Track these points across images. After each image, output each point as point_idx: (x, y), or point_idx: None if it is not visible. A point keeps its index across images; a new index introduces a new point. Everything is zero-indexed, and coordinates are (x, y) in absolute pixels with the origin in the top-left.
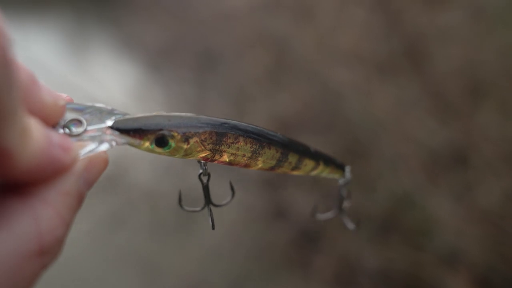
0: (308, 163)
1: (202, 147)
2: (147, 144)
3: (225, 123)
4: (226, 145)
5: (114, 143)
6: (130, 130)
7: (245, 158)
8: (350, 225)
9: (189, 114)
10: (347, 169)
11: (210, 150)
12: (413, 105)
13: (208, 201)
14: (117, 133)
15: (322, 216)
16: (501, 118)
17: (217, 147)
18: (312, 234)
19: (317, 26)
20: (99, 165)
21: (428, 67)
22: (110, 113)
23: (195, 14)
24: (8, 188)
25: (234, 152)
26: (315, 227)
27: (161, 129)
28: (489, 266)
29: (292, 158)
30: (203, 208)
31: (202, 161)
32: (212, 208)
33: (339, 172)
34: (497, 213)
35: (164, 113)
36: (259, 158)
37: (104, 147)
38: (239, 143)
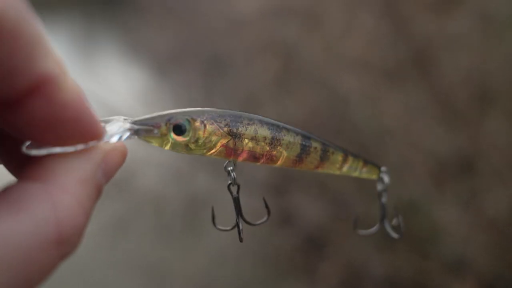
0: (336, 153)
1: (220, 130)
2: (165, 132)
3: (238, 112)
4: (243, 126)
5: (134, 135)
6: (150, 123)
7: (267, 144)
8: (395, 235)
9: (206, 108)
10: (383, 169)
11: (228, 133)
12: (421, 112)
13: (239, 213)
14: (137, 126)
15: (365, 232)
16: (509, 125)
17: (234, 129)
18: (318, 240)
19: (325, 33)
20: (117, 157)
21: (435, 75)
22: (125, 120)
23: (204, 20)
24: (27, 173)
25: (253, 135)
26: (321, 233)
27: (177, 118)
28: (496, 274)
29: (316, 144)
30: (236, 226)
31: (229, 169)
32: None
33: (374, 171)
34: (504, 221)
35: (182, 109)
36: (281, 142)
37: (126, 136)
38: (255, 125)
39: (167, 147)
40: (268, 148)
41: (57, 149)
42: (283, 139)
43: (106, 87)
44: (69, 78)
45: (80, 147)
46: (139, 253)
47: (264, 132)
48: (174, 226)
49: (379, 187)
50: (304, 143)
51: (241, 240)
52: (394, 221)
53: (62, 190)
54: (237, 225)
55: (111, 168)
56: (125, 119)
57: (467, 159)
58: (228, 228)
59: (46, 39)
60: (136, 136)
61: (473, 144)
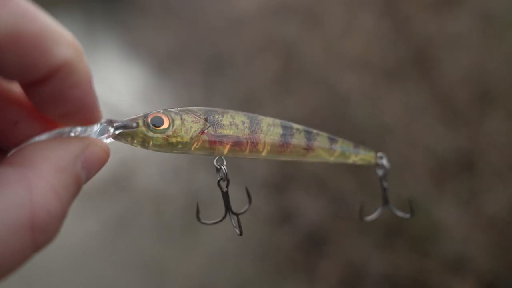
0: (321, 136)
1: (197, 118)
2: (143, 126)
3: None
4: (219, 114)
5: (114, 130)
6: (129, 120)
7: (246, 128)
8: (404, 214)
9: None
10: (380, 154)
11: (205, 120)
12: (421, 111)
13: (228, 208)
14: (117, 123)
15: (371, 217)
16: (509, 125)
17: (211, 117)
18: (317, 239)
19: (325, 32)
20: (98, 153)
21: (436, 74)
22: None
23: (204, 19)
24: (7, 160)
25: (231, 120)
26: (321, 232)
27: (153, 112)
28: (496, 273)
29: (296, 126)
30: (223, 218)
31: (219, 164)
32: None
33: (370, 155)
34: (504, 220)
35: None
36: (261, 124)
37: (105, 130)
38: (231, 113)
39: (151, 145)
40: (248, 132)
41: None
42: (262, 122)
43: (107, 86)
44: (82, 60)
45: (54, 132)
46: (139, 251)
47: (241, 117)
48: (174, 225)
49: (380, 172)
50: (284, 125)
51: (241, 233)
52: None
53: (38, 176)
54: (233, 221)
55: (92, 163)
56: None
57: (467, 158)
58: (213, 221)
59: (54, 29)
60: (116, 131)
61: (473, 143)
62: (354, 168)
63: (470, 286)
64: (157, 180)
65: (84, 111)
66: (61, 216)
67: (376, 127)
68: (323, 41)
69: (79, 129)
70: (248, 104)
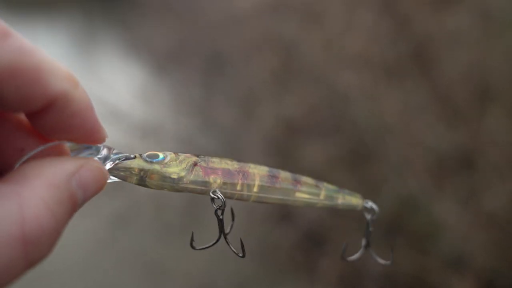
0: (305, 178)
1: (188, 154)
2: (139, 159)
3: None
4: (208, 157)
5: (114, 162)
6: (126, 154)
7: (236, 164)
8: (384, 262)
9: None
10: (367, 202)
11: (197, 156)
12: (420, 109)
13: (223, 233)
14: (116, 156)
15: (353, 258)
16: (509, 123)
17: (202, 156)
18: (317, 237)
19: (325, 30)
20: (94, 171)
21: (435, 71)
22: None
23: (203, 17)
24: (1, 177)
25: (219, 160)
26: (320, 231)
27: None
28: (496, 270)
29: (284, 173)
30: (217, 241)
31: (214, 195)
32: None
33: (356, 197)
34: (504, 218)
35: None
36: (248, 164)
37: (108, 164)
38: (218, 157)
39: (148, 182)
40: (238, 166)
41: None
42: (248, 163)
43: (106, 85)
44: (79, 89)
45: (50, 144)
46: (139, 250)
47: (228, 159)
48: (174, 224)
49: (369, 216)
50: (270, 169)
51: (243, 255)
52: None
53: (30, 191)
54: (217, 242)
55: (88, 182)
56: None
57: (467, 156)
58: (206, 246)
59: (51, 63)
60: (115, 161)
61: (473, 141)
62: (353, 166)
63: (470, 284)
64: None
65: (86, 136)
66: (55, 231)
67: (376, 125)
68: (322, 39)
69: (79, 145)
70: (247, 102)
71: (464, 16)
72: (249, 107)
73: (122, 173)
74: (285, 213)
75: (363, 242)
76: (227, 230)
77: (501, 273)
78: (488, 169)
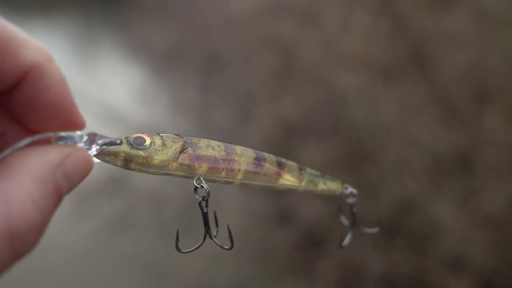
0: (290, 162)
1: (176, 139)
2: (125, 145)
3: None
4: (196, 139)
5: (98, 147)
6: (112, 139)
7: (222, 151)
8: (372, 230)
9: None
10: (346, 185)
11: (184, 142)
12: (418, 109)
13: (208, 228)
14: (102, 141)
15: (345, 242)
16: (506, 123)
17: (189, 140)
18: (316, 238)
19: (322, 31)
20: (80, 162)
21: (433, 72)
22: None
23: (202, 19)
24: None
25: (207, 143)
26: (319, 231)
27: (134, 135)
28: (494, 271)
29: (269, 154)
30: (203, 242)
31: (197, 184)
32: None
33: (337, 183)
34: (502, 218)
35: None
36: (235, 149)
37: (92, 142)
38: (206, 139)
39: (132, 167)
40: (224, 153)
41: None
42: (235, 147)
43: (104, 87)
44: (53, 64)
45: (37, 137)
46: (137, 251)
47: (216, 142)
48: (172, 224)
49: (351, 200)
50: (256, 151)
51: (232, 246)
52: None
53: (15, 187)
54: (202, 243)
55: (73, 172)
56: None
57: (465, 157)
58: (192, 248)
59: (21, 35)
60: (100, 147)
61: (471, 142)
62: (351, 168)
63: (468, 284)
64: (155, 180)
65: (62, 115)
66: (41, 225)
67: (374, 126)
68: (320, 40)
69: (63, 134)
70: (245, 103)
71: (461, 16)
72: (247, 109)
73: (107, 158)
74: (284, 214)
75: (346, 223)
76: (213, 234)
77: (500, 273)
78: (486, 170)
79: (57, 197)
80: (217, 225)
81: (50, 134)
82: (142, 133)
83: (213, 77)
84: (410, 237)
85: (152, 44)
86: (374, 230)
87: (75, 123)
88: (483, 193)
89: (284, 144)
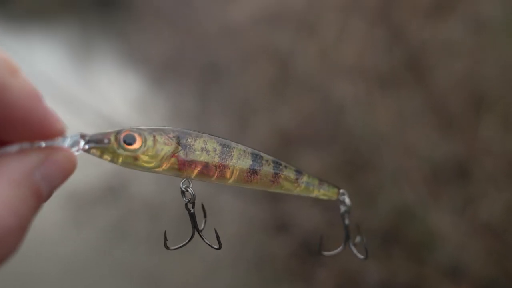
0: (288, 167)
1: (169, 140)
2: (116, 144)
3: (185, 129)
4: (192, 138)
5: (86, 144)
6: (101, 133)
7: (217, 156)
8: (360, 255)
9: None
10: (342, 191)
11: (178, 143)
12: (415, 118)
13: (196, 229)
14: (88, 137)
15: (329, 253)
16: (503, 131)
17: (184, 140)
18: (313, 247)
19: (319, 40)
20: (62, 162)
21: (430, 81)
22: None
23: (199, 28)
24: None
25: (203, 145)
26: (317, 240)
27: (126, 129)
28: (492, 279)
29: (267, 157)
30: (190, 240)
31: (185, 187)
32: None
33: (333, 191)
34: (500, 227)
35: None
36: (232, 153)
37: (76, 143)
38: (204, 138)
39: (120, 162)
40: (218, 159)
41: None
42: (233, 151)
43: (102, 96)
44: (18, 77)
45: (26, 145)
46: (134, 260)
47: (213, 143)
48: (169, 233)
49: (342, 209)
50: (255, 155)
51: (219, 247)
52: (357, 239)
53: None
54: (191, 239)
55: (54, 173)
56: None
57: (462, 165)
58: (180, 245)
59: None
60: (87, 146)
61: (468, 150)
62: (349, 177)
63: None
64: (152, 188)
65: (36, 130)
66: (20, 230)
67: (371, 134)
68: (317, 50)
69: (43, 144)
70: (243, 112)
71: (457, 25)
72: (244, 117)
73: (93, 154)
74: (282, 223)
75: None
76: (200, 227)
77: (498, 281)
78: (483, 179)
79: (36, 199)
80: (205, 215)
81: (26, 145)
82: (134, 129)
83: (210, 86)
84: (408, 245)
85: (150, 53)
86: (362, 257)
87: (53, 134)
88: (481, 201)
89: (282, 153)
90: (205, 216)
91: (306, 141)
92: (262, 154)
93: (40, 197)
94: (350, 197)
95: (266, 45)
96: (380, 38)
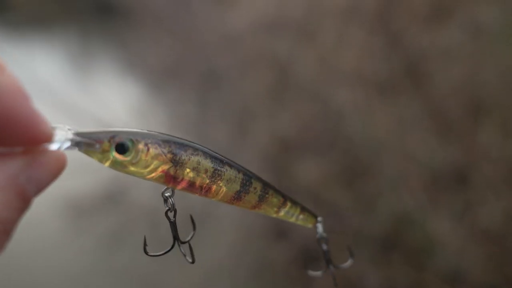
0: (275, 195)
1: (163, 156)
2: (107, 149)
3: (184, 141)
4: (187, 155)
5: (75, 146)
6: (93, 137)
7: (207, 176)
8: (346, 265)
9: (152, 131)
10: (320, 219)
11: (171, 160)
12: (414, 124)
13: (177, 238)
14: (79, 138)
15: (314, 274)
16: (502, 137)
17: (178, 157)
18: (313, 253)
19: (318, 47)
20: (50, 164)
21: (429, 87)
22: (69, 130)
23: (198, 35)
24: None
25: (195, 165)
26: (316, 246)
27: (121, 136)
28: (492, 285)
29: (257, 184)
30: (172, 248)
31: (167, 195)
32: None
33: (311, 220)
34: (499, 233)
35: (127, 129)
36: (222, 176)
37: (65, 146)
38: (199, 156)
39: (107, 164)
40: (207, 181)
41: None
42: (224, 174)
43: (101, 103)
44: (4, 74)
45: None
46: (134, 267)
47: (206, 164)
48: (168, 240)
49: (318, 235)
50: (245, 181)
51: (193, 261)
52: (349, 262)
53: None
54: (171, 248)
55: (42, 175)
56: (69, 129)
57: (461, 171)
58: (160, 252)
59: None
60: (76, 148)
61: (467, 156)
62: (348, 183)
63: None
64: (151, 195)
65: (23, 134)
66: (4, 233)
67: (370, 140)
68: (316, 56)
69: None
70: (242, 119)
71: (455, 31)
72: (243, 124)
73: (82, 152)
74: (281, 229)
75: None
76: (187, 238)
77: (497, 287)
78: (482, 185)
79: (22, 202)
80: (194, 228)
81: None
82: (130, 136)
83: (209, 93)
84: (407, 251)
85: (149, 61)
86: (348, 264)
87: (40, 137)
88: (480, 207)
89: (281, 159)
90: (194, 229)
91: (306, 148)
92: (253, 179)
93: (26, 198)
94: (325, 224)
95: (265, 52)
96: (378, 44)
